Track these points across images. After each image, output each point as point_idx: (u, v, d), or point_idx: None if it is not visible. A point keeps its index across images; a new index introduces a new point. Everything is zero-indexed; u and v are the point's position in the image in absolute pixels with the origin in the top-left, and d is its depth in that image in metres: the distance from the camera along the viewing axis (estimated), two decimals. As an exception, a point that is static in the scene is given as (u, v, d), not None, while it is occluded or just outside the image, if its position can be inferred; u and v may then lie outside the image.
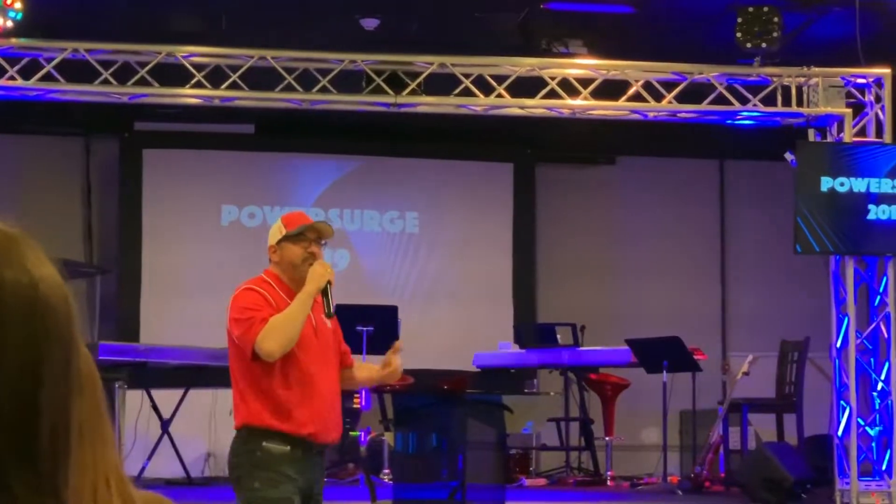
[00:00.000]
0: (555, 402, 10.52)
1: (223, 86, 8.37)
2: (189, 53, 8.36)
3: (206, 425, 10.11)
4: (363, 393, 9.58)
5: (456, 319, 11.86)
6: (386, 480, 9.07)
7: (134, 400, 9.45)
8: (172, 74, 8.43)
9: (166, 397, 9.50)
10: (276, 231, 4.77)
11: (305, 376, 4.45)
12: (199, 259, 11.62)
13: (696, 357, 9.50)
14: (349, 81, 8.55)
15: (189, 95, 8.45)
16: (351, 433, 10.21)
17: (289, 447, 4.40)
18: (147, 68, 8.29)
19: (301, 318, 4.42)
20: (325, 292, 4.53)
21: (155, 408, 9.40)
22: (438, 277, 12.01)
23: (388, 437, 8.74)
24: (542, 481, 9.98)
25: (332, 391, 4.53)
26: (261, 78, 8.46)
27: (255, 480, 4.39)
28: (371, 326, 9.64)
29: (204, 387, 9.92)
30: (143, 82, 8.32)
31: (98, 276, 11.12)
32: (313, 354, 4.50)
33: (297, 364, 4.45)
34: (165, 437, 9.37)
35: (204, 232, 11.68)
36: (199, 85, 8.35)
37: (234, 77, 8.35)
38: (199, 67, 8.36)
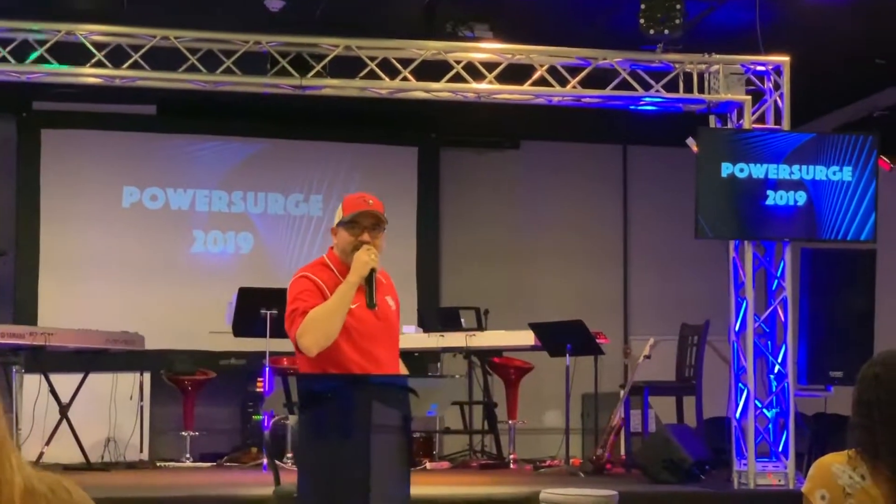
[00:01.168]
0: (459, 385, 10.56)
1: (124, 66, 8.24)
2: (89, 32, 8.21)
3: (106, 410, 10.00)
4: (266, 376, 9.54)
5: (360, 303, 11.84)
6: (289, 464, 9.04)
7: (32, 384, 9.31)
8: (72, 53, 8.27)
9: (65, 381, 9.37)
10: (337, 214, 4.81)
11: (370, 360, 4.49)
12: (99, 241, 11.46)
13: (598, 341, 9.60)
14: (254, 63, 8.47)
15: (89, 75, 8.30)
16: (254, 417, 10.18)
17: None
18: (46, 47, 8.13)
19: (340, 311, 4.41)
20: (368, 281, 4.46)
21: (53, 392, 9.27)
22: (343, 261, 11.96)
23: (292, 421, 8.70)
24: (445, 464, 10.03)
25: (384, 365, 4.58)
26: (163, 58, 8.34)
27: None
28: (275, 310, 9.58)
29: (103, 371, 9.82)
30: (41, 61, 8.15)
31: (-6, 259, 10.91)
32: (372, 339, 4.53)
33: (351, 350, 4.49)
34: (64, 421, 9.24)
35: (105, 214, 11.52)
36: (99, 64, 8.21)
37: (135, 57, 8.22)
38: (99, 46, 8.22)
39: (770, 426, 8.41)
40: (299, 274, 4.64)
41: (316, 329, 4.40)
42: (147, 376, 10.29)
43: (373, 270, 4.47)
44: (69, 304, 11.14)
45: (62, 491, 1.83)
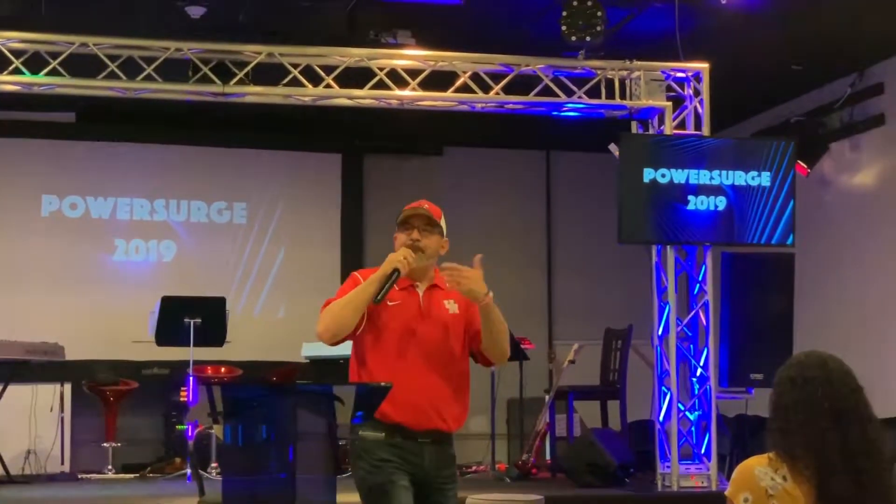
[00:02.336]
0: (384, 392, 10.54)
1: (43, 72, 8.14)
2: (7, 39, 8.10)
3: (26, 422, 9.86)
4: (189, 385, 9.46)
5: (285, 310, 11.80)
6: (214, 474, 8.97)
7: (-51, 396, 9.15)
8: (-11, 60, 8.15)
9: (-16, 393, 9.22)
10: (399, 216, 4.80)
11: (405, 364, 4.41)
12: (18, 251, 11.29)
13: (523, 346, 9.63)
14: (175, 70, 8.40)
15: (7, 82, 8.18)
16: (178, 427, 10.09)
17: (383, 434, 4.39)
18: (-38, 53, 8.01)
19: (355, 303, 4.36)
20: (388, 278, 4.39)
21: (-28, 404, 9.11)
22: (267, 268, 11.91)
23: (217, 431, 8.63)
24: (371, 471, 9.98)
25: (432, 378, 4.41)
26: (82, 65, 8.24)
27: (359, 468, 4.46)
28: (199, 318, 9.52)
29: (23, 382, 9.67)
30: (-43, 68, 8.03)
31: (-90, 269, 10.71)
32: (413, 339, 4.44)
33: (386, 352, 4.43)
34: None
35: (23, 222, 11.35)
36: (17, 71, 8.10)
37: (54, 63, 8.12)
38: (17, 53, 8.11)
39: (693, 429, 8.50)
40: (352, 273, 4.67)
41: (329, 318, 4.42)
42: (68, 387, 10.15)
43: (396, 270, 4.40)
44: (-13, 314, 10.95)
45: None
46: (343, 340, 4.49)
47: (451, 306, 4.56)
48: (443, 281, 4.57)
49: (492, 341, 4.51)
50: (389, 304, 4.46)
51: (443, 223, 4.71)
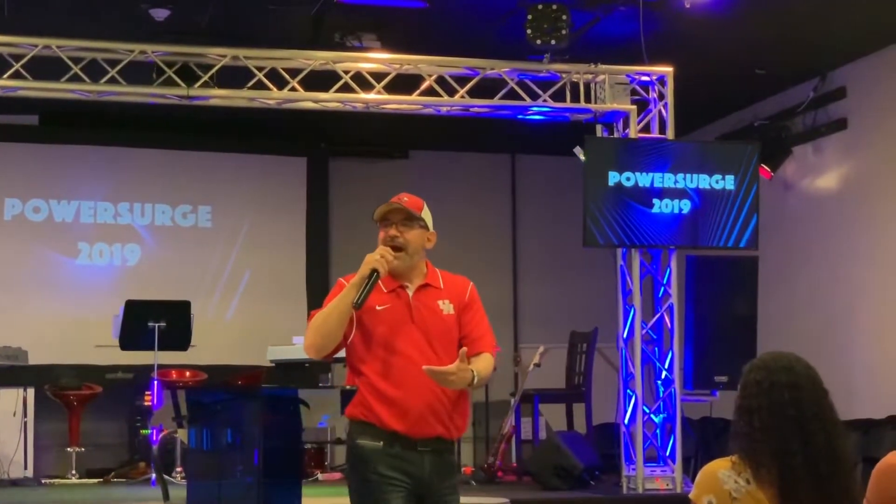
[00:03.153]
0: (350, 395, 10.52)
1: (5, 75, 8.08)
2: (-31, 41, 8.04)
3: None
4: (154, 390, 9.41)
5: (250, 314, 11.76)
6: (179, 479, 8.93)
7: (-90, 402, 9.07)
8: (-49, 62, 8.08)
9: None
10: None
11: (397, 371, 4.17)
12: (-20, 254, 11.20)
13: (488, 349, 9.61)
14: (139, 73, 8.36)
15: (-31, 85, 8.12)
16: (142, 431, 10.03)
17: (381, 443, 4.15)
18: (-77, 56, 7.94)
19: (335, 311, 4.14)
20: (367, 280, 4.13)
21: (-66, 409, 9.04)
22: (232, 272, 11.87)
23: (182, 435, 8.59)
24: (337, 475, 9.98)
25: (428, 384, 4.11)
26: (45, 67, 8.19)
27: (353, 479, 4.26)
28: (163, 322, 9.48)
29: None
30: (-82, 70, 7.97)
31: None
32: (405, 343, 4.19)
33: (387, 358, 4.19)
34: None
35: (-14, 226, 11.26)
36: (-21, 74, 8.04)
37: (16, 66, 8.07)
38: (-21, 56, 8.05)
39: (658, 431, 8.53)
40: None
41: (312, 331, 4.19)
42: (31, 392, 10.07)
43: (374, 271, 4.14)
44: (-51, 318, 10.86)
45: None
46: (334, 353, 4.28)
47: (446, 306, 4.32)
48: (436, 278, 4.39)
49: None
50: (378, 308, 4.23)
51: (426, 215, 4.51)
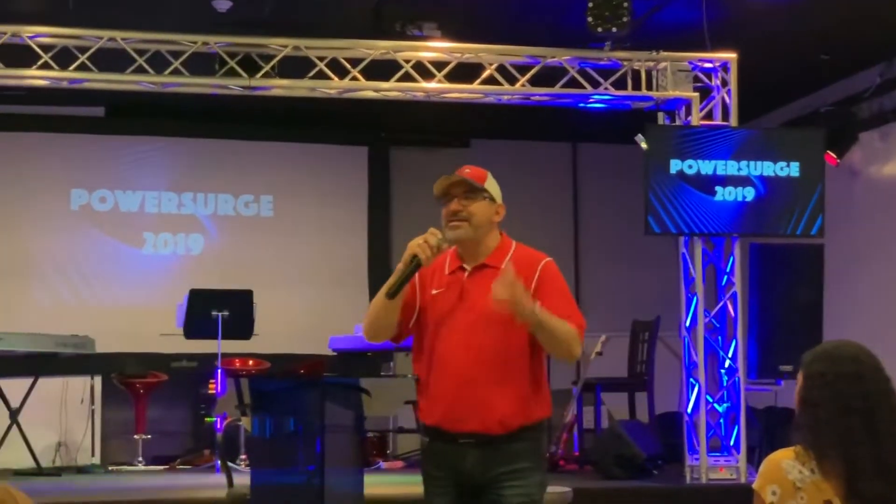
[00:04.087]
0: (411, 384, 10.55)
1: (71, 67, 8.18)
2: (35, 34, 8.14)
3: (57, 414, 9.91)
4: (218, 378, 9.49)
5: (312, 303, 11.82)
6: (242, 466, 9.00)
7: (-19, 389, 9.22)
8: (18, 55, 8.19)
9: (15, 386, 9.28)
10: None
11: (437, 359, 3.92)
12: (48, 244, 11.37)
13: (550, 338, 9.59)
14: (202, 64, 8.43)
15: (36, 77, 8.23)
16: (206, 419, 10.13)
17: (428, 439, 4.01)
18: (-9, 49, 8.06)
19: (377, 300, 3.93)
20: (406, 267, 3.87)
21: (3, 397, 9.18)
22: (294, 261, 11.93)
23: (245, 423, 8.65)
24: (399, 464, 10.02)
25: (472, 374, 3.86)
26: (110, 59, 8.29)
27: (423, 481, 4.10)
28: (226, 311, 9.55)
29: (54, 375, 9.72)
30: (-14, 63, 8.08)
31: (-59, 263, 10.80)
32: (451, 332, 3.91)
33: (431, 346, 3.95)
34: (14, 426, 9.15)
35: (53, 217, 11.42)
36: (46, 66, 8.14)
37: (82, 58, 8.16)
38: (46, 48, 8.15)
39: (721, 421, 8.47)
40: None
41: (366, 318, 4.01)
42: (98, 380, 10.20)
43: (414, 258, 3.85)
44: (18, 307, 11.03)
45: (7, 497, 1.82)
46: (396, 339, 4.07)
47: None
48: (501, 257, 4.02)
49: (549, 349, 3.97)
50: (433, 292, 3.97)
51: (491, 186, 4.16)
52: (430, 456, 4.02)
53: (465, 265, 4.01)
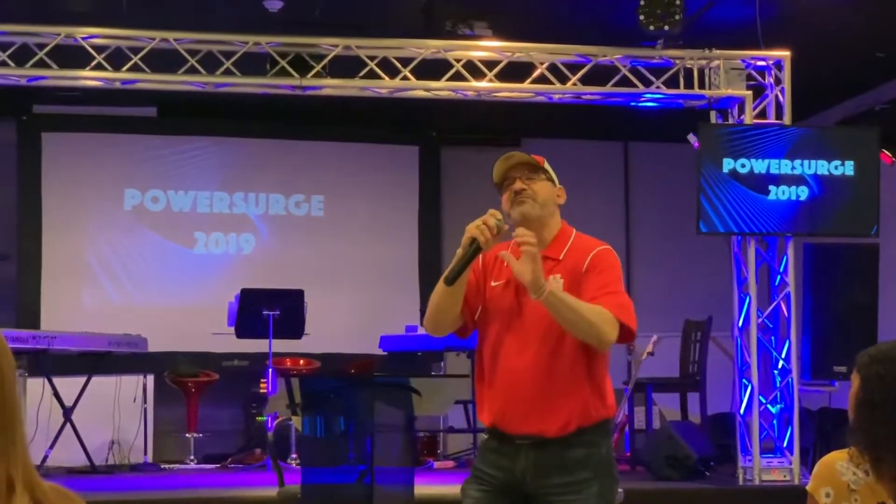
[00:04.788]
0: (463, 384, 10.55)
1: (124, 68, 8.24)
2: (89, 35, 8.22)
3: (110, 412, 9.98)
4: (269, 377, 9.53)
5: (362, 303, 11.84)
6: (294, 465, 9.04)
7: (35, 388, 9.29)
8: (72, 56, 8.27)
9: (68, 385, 9.36)
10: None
11: (494, 357, 3.77)
12: (101, 244, 11.47)
13: (601, 338, 9.56)
14: (253, 64, 8.47)
15: (89, 78, 8.30)
16: (257, 418, 10.18)
17: (487, 436, 3.86)
18: (45, 50, 8.13)
19: (440, 287, 3.70)
20: (464, 253, 3.65)
21: (57, 395, 9.25)
22: (344, 261, 11.96)
23: (296, 422, 8.69)
24: (450, 463, 10.02)
25: (528, 372, 3.70)
26: (163, 60, 8.34)
27: None
28: (277, 310, 9.59)
29: (107, 374, 9.79)
30: (41, 64, 8.15)
31: (-4, 263, 10.92)
32: (505, 327, 3.76)
33: (489, 343, 3.79)
34: (68, 425, 9.23)
35: (106, 216, 11.52)
36: (99, 67, 8.21)
37: (135, 59, 8.22)
38: (99, 49, 8.22)
39: (774, 422, 8.40)
40: None
41: (428, 309, 3.81)
42: (150, 378, 10.28)
43: (474, 241, 3.62)
44: (71, 306, 11.14)
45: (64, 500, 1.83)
46: (462, 332, 3.89)
47: (556, 282, 3.74)
48: (560, 247, 3.88)
49: (573, 332, 3.70)
50: (493, 284, 3.81)
51: (549, 169, 4.09)
52: (485, 452, 3.86)
53: None
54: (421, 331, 10.63)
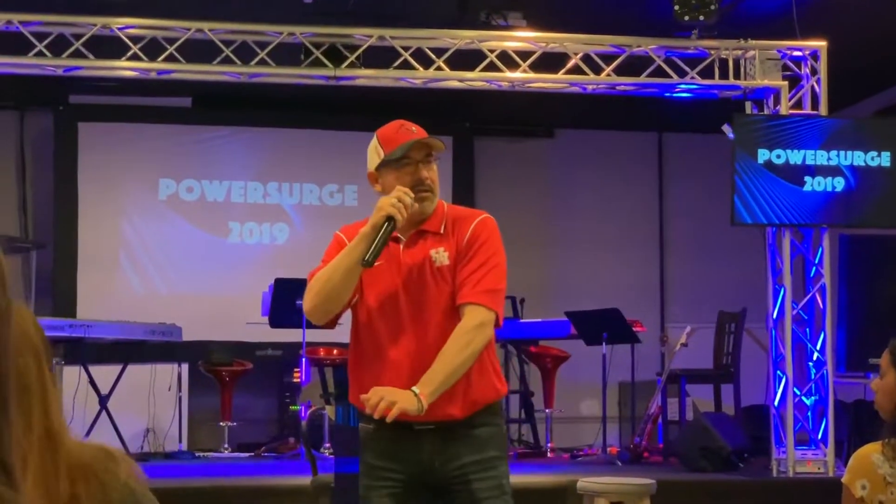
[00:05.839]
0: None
1: (160, 58, 8.28)
2: (125, 25, 8.26)
3: (145, 401, 10.05)
4: (302, 367, 9.56)
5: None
6: (327, 454, 9.07)
7: (71, 376, 9.37)
8: (108, 47, 8.32)
9: (104, 373, 9.43)
10: (374, 153, 3.85)
11: (381, 337, 3.57)
12: (136, 233, 11.53)
13: (634, 329, 9.56)
14: (287, 54, 8.49)
15: (125, 68, 8.35)
16: (291, 407, 10.22)
17: (372, 426, 3.58)
18: (82, 41, 8.18)
19: (341, 269, 3.50)
20: (379, 230, 3.46)
21: (93, 384, 9.33)
22: (378, 251, 11.96)
23: (329, 411, 8.72)
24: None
25: (420, 353, 3.50)
26: (198, 50, 8.38)
27: (360, 474, 3.71)
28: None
29: (142, 362, 9.86)
30: (77, 54, 8.20)
31: (34, 251, 10.99)
32: (394, 306, 3.57)
33: (371, 326, 3.60)
34: (104, 413, 9.30)
35: (141, 206, 11.58)
36: (135, 57, 8.25)
37: (170, 49, 8.26)
38: (135, 39, 8.26)
39: (809, 414, 8.36)
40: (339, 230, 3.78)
41: (310, 292, 3.55)
42: (185, 367, 10.34)
43: (390, 219, 3.45)
44: (107, 295, 11.21)
45: (108, 459, 1.88)
46: (337, 318, 3.67)
47: (440, 256, 3.60)
48: (438, 221, 3.64)
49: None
50: (379, 263, 3.58)
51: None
52: (374, 443, 3.61)
53: (398, 235, 3.60)
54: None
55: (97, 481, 1.77)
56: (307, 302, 3.59)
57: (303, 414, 9.16)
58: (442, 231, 3.64)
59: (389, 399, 3.33)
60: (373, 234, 3.47)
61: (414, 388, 3.38)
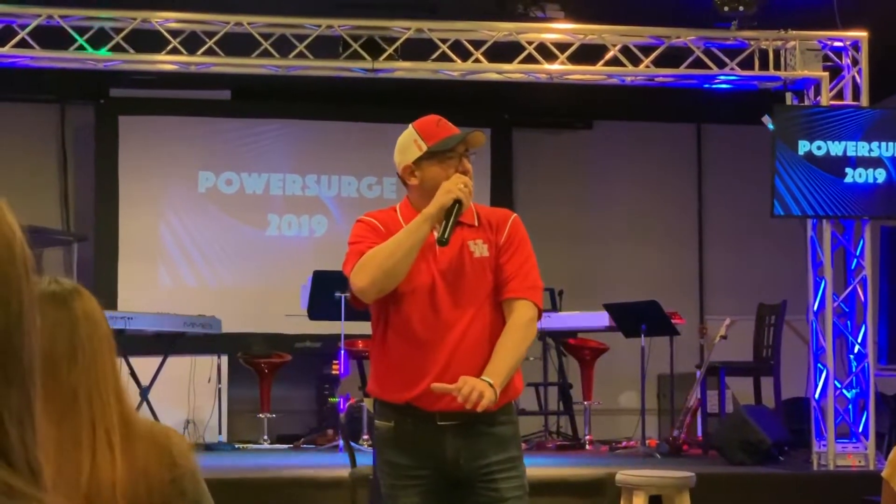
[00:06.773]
0: (534, 366, 10.56)
1: (199, 52, 8.32)
2: (165, 19, 8.31)
3: (185, 392, 10.13)
4: (341, 359, 9.59)
5: (434, 285, 11.85)
6: (365, 446, 9.09)
7: (112, 368, 9.43)
8: (148, 40, 8.37)
9: (144, 364, 9.50)
10: (411, 145, 3.85)
11: (413, 326, 3.53)
12: (176, 226, 11.60)
13: (673, 321, 9.53)
14: (326, 47, 8.51)
15: (165, 62, 8.39)
16: (330, 399, 10.26)
17: (392, 423, 3.54)
18: (122, 34, 8.23)
19: (406, 245, 3.44)
20: (448, 213, 3.45)
21: (133, 375, 9.39)
22: (416, 243, 11.98)
23: (368, 404, 8.74)
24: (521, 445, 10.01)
25: (452, 344, 3.49)
26: (237, 44, 8.41)
27: (380, 472, 3.66)
28: (349, 292, 9.63)
29: (182, 354, 9.93)
30: (118, 48, 8.26)
31: (75, 244, 11.08)
32: (429, 296, 3.54)
33: (407, 309, 3.54)
34: (144, 404, 9.37)
35: (181, 198, 11.65)
36: (174, 51, 8.29)
37: (209, 43, 8.29)
38: (174, 33, 8.30)
39: (850, 407, 8.31)
40: (356, 221, 3.78)
41: (374, 266, 3.45)
42: (224, 359, 10.40)
43: (458, 202, 3.46)
44: (147, 287, 11.29)
45: (160, 434, 2.12)
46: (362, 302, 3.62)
47: (479, 247, 3.61)
48: (471, 213, 3.65)
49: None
50: None
51: None
52: (392, 440, 3.55)
53: (434, 225, 3.55)
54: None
55: (166, 453, 2.11)
56: (363, 278, 3.50)
57: (341, 406, 9.19)
58: (476, 224, 3.67)
59: (480, 389, 3.31)
60: (439, 216, 3.48)
61: (486, 378, 3.37)
